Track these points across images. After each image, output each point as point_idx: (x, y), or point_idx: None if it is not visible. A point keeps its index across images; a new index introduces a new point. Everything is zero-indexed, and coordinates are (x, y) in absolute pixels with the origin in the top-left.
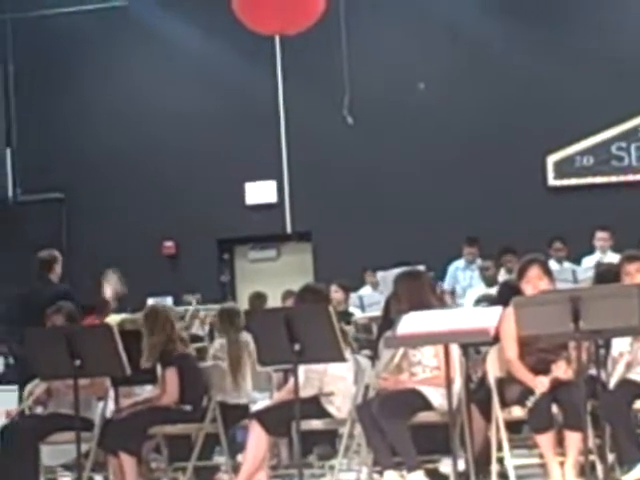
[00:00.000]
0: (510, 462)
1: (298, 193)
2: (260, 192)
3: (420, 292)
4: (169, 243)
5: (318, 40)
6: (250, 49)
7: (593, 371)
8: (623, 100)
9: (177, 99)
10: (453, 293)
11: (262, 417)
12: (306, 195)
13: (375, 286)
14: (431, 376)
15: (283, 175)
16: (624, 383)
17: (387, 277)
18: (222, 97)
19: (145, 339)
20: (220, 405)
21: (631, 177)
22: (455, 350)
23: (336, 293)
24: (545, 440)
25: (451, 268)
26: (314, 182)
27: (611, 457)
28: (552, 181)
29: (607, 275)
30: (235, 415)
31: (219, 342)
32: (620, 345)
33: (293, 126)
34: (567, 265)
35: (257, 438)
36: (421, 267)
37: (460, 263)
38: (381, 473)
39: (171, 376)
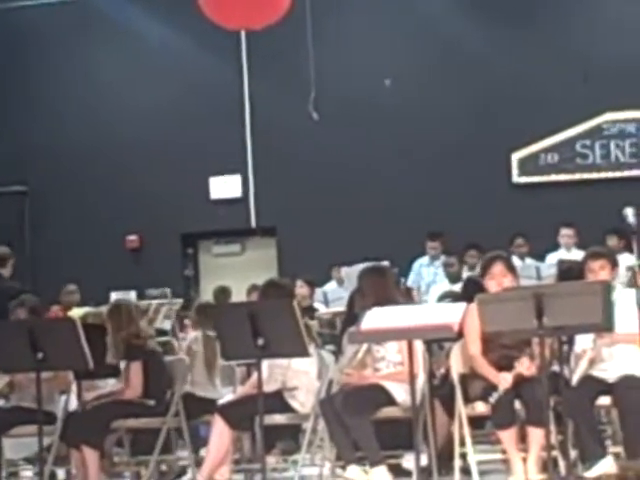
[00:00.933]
0: (473, 457)
1: (263, 188)
2: (225, 186)
3: (385, 288)
4: (133, 237)
5: (284, 35)
6: (215, 43)
7: (556, 367)
8: (588, 98)
9: (142, 93)
10: (417, 289)
11: (225, 411)
12: (271, 190)
13: (341, 282)
14: (395, 371)
15: (248, 170)
16: (587, 380)
17: (351, 273)
18: (187, 91)
19: (110, 336)
20: (188, 397)
21: (595, 175)
22: (419, 346)
23: (301, 288)
24: (508, 436)
25: (415, 265)
26: (279, 177)
27: (573, 453)
28: (516, 178)
29: (571, 272)
30: (203, 408)
31: (194, 335)
32: (583, 342)
33: (258, 121)
34: (530, 262)
35: (220, 432)
36: (385, 263)
37: (424, 260)
38: (344, 468)
39: (135, 370)
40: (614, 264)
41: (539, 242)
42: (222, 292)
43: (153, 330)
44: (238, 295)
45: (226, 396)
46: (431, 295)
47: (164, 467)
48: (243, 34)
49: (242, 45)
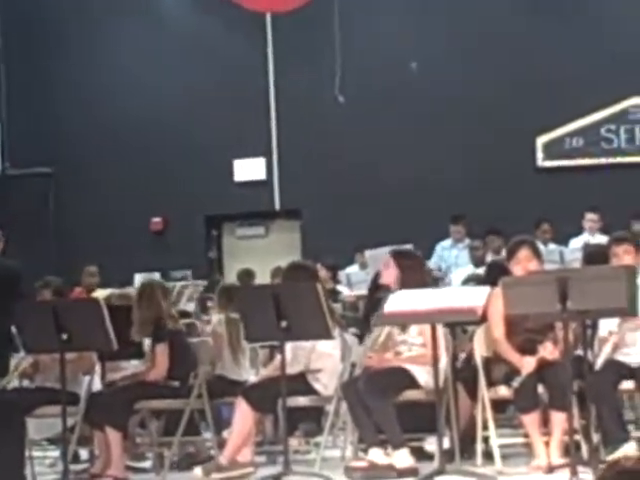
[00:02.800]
0: (495, 441)
1: (287, 171)
2: (249, 169)
3: (408, 270)
4: (157, 219)
5: (310, 18)
6: (241, 26)
7: (580, 352)
8: (613, 82)
9: (167, 75)
10: (440, 272)
11: (248, 393)
12: (295, 173)
13: (364, 265)
14: (417, 354)
15: (272, 152)
16: (610, 364)
17: (375, 256)
18: (212, 74)
19: (136, 313)
20: (213, 379)
21: (620, 159)
22: (441, 328)
23: (321, 272)
24: (530, 420)
25: (438, 247)
26: (303, 160)
27: (596, 437)
28: (541, 162)
29: (596, 256)
30: (227, 390)
31: (217, 317)
32: (607, 326)
33: (283, 103)
34: (553, 246)
35: (243, 414)
36: (409, 246)
37: (447, 242)
38: (366, 451)
39: (162, 352)
40: (638, 249)
41: (563, 226)
42: (246, 274)
43: (176, 312)
44: (262, 277)
45: (250, 378)
46: (454, 278)
47: (192, 449)
48: (269, 17)
49: (268, 28)
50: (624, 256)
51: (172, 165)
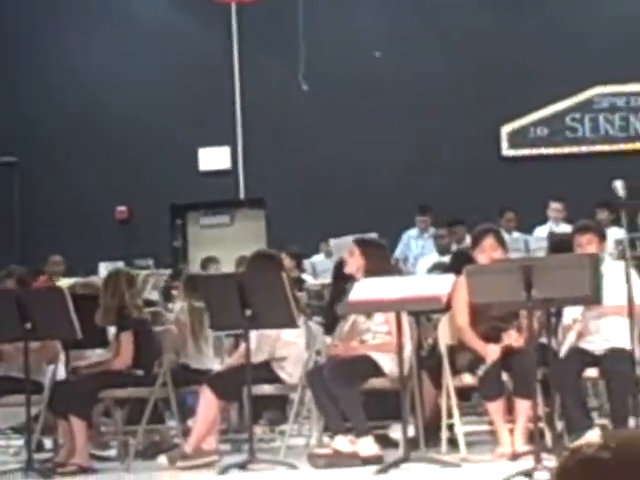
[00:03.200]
0: (460, 429)
1: (252, 159)
2: (214, 158)
3: (373, 259)
4: (122, 208)
5: (275, 6)
6: (206, 16)
7: (544, 340)
8: (578, 72)
9: (131, 64)
10: (405, 261)
11: (213, 382)
12: (260, 162)
13: (329, 254)
14: (382, 342)
15: (237, 141)
16: (574, 352)
17: (339, 245)
18: (177, 62)
19: (102, 300)
20: (177, 367)
21: (584, 148)
22: (405, 316)
23: (285, 260)
24: (495, 407)
25: (404, 237)
26: (268, 149)
27: (560, 425)
28: (506, 151)
29: (560, 245)
30: (191, 379)
31: (181, 306)
32: (571, 314)
33: (248, 92)
34: (518, 235)
35: (207, 402)
36: (373, 235)
37: (413, 232)
38: (331, 438)
39: (126, 340)
40: (602, 238)
41: (528, 215)
42: (208, 260)
43: (141, 300)
44: (226, 266)
45: (215, 366)
46: (419, 267)
47: (156, 438)
48: (233, 6)
49: (232, 17)
50: (587, 245)
51: (137, 154)
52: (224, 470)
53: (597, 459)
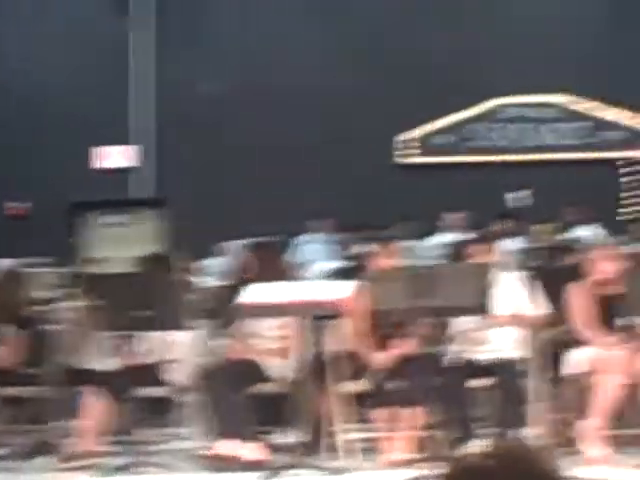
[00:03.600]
0: (345, 436)
1: (153, 159)
2: (114, 156)
3: (269, 263)
4: (18, 205)
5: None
6: (108, 7)
7: (433, 348)
8: (480, 81)
9: (28, 55)
10: (300, 266)
11: (101, 382)
12: (160, 161)
13: (224, 258)
14: (271, 347)
15: (139, 140)
16: (462, 361)
17: (235, 247)
18: (81, 59)
19: None
20: (67, 367)
21: (484, 158)
22: (297, 321)
23: (180, 262)
24: (381, 415)
25: (297, 241)
26: (169, 148)
27: (445, 434)
28: (403, 159)
29: (453, 254)
30: (81, 379)
31: (75, 305)
32: (463, 323)
33: (149, 91)
34: (413, 243)
35: (95, 403)
36: (272, 238)
37: (307, 237)
38: (216, 442)
39: (19, 339)
40: (493, 248)
41: (424, 224)
42: (91, 261)
43: (34, 299)
44: (122, 266)
45: (105, 367)
46: (314, 272)
47: (44, 438)
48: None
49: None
50: (479, 255)
51: (35, 150)
52: (108, 472)
53: (481, 468)
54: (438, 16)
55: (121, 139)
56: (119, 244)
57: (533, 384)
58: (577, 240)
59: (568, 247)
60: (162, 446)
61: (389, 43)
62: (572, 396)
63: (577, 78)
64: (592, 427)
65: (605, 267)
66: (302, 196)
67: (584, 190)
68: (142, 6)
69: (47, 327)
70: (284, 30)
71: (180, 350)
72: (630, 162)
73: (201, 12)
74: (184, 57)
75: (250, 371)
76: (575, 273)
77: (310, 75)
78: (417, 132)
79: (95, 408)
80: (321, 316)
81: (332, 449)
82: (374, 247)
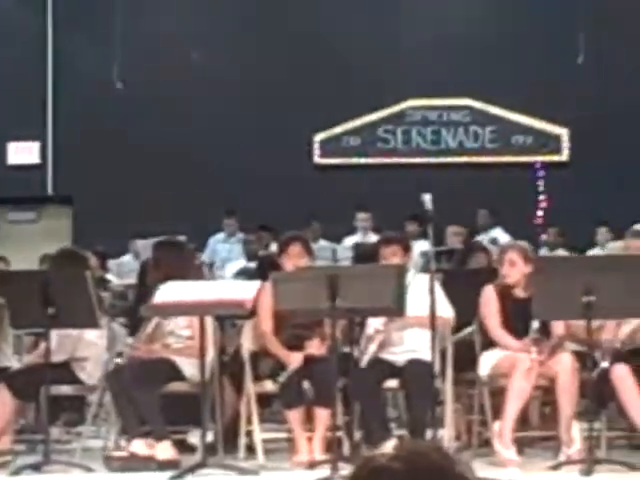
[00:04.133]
0: (259, 436)
1: (61, 155)
2: (23, 152)
3: (179, 262)
4: None
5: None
6: (22, 6)
7: (346, 349)
8: (391, 84)
9: None
10: (212, 265)
11: (10, 380)
12: (69, 158)
13: (137, 255)
14: (184, 346)
15: (47, 136)
16: (376, 362)
17: (146, 245)
18: None
19: None
20: None
21: (396, 160)
22: (209, 321)
23: (90, 259)
24: (294, 415)
25: (211, 241)
26: (78, 145)
27: (359, 434)
28: (318, 159)
29: (366, 255)
30: None
31: None
32: (374, 324)
33: (60, 87)
34: (326, 243)
35: (3, 401)
36: (182, 237)
37: (220, 236)
38: (129, 441)
39: None
40: (407, 249)
41: (337, 224)
42: (8, 258)
43: None
44: (31, 263)
45: (12, 364)
46: (226, 272)
47: None
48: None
49: (48, 3)
50: (392, 257)
51: None
52: (18, 471)
53: (388, 469)
54: (350, 18)
55: (30, 136)
56: (27, 241)
57: (446, 385)
58: (490, 242)
59: (481, 249)
60: (75, 445)
61: (302, 42)
62: (482, 398)
63: (484, 82)
64: (504, 429)
65: (515, 270)
66: (215, 195)
67: (496, 193)
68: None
69: None
70: (192, 29)
71: (91, 348)
72: (537, 167)
73: (110, 11)
74: (92, 55)
75: (164, 370)
76: (488, 275)
77: (221, 73)
78: (328, 133)
79: (3, 406)
80: (228, 316)
81: (245, 449)
82: (284, 247)
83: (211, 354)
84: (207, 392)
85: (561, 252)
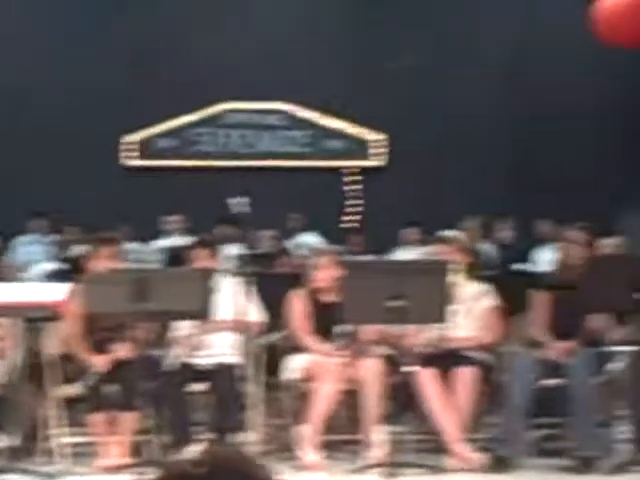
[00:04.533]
0: (62, 440)
1: None
2: None
3: None
4: None
5: None
6: None
7: (153, 352)
8: (208, 85)
9: None
10: (17, 267)
11: None
12: None
13: None
14: None
15: None
16: (182, 366)
17: None
18: None
19: None
20: None
21: (210, 162)
22: (19, 323)
23: None
24: (98, 419)
25: (15, 242)
26: None
27: (164, 438)
28: (130, 161)
29: (175, 258)
30: None
31: None
32: (182, 327)
33: None
34: (136, 245)
35: None
36: None
37: (25, 238)
38: None
39: None
40: (215, 253)
41: (149, 227)
42: None
43: None
44: None
45: None
46: (33, 274)
47: None
48: None
49: None
50: (201, 260)
51: None
52: None
53: (191, 475)
54: (170, 18)
55: None
56: None
57: (250, 389)
58: (298, 247)
59: (288, 253)
60: None
61: (116, 41)
62: (289, 402)
63: (301, 86)
64: (308, 433)
65: (324, 274)
66: (20, 195)
67: (306, 198)
68: None
69: None
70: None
71: None
72: (351, 171)
73: None
74: None
75: None
76: (294, 279)
77: (28, 72)
78: (141, 134)
79: None
80: (36, 318)
81: (46, 453)
82: (94, 249)
83: (17, 356)
84: (10, 395)
85: (370, 257)
